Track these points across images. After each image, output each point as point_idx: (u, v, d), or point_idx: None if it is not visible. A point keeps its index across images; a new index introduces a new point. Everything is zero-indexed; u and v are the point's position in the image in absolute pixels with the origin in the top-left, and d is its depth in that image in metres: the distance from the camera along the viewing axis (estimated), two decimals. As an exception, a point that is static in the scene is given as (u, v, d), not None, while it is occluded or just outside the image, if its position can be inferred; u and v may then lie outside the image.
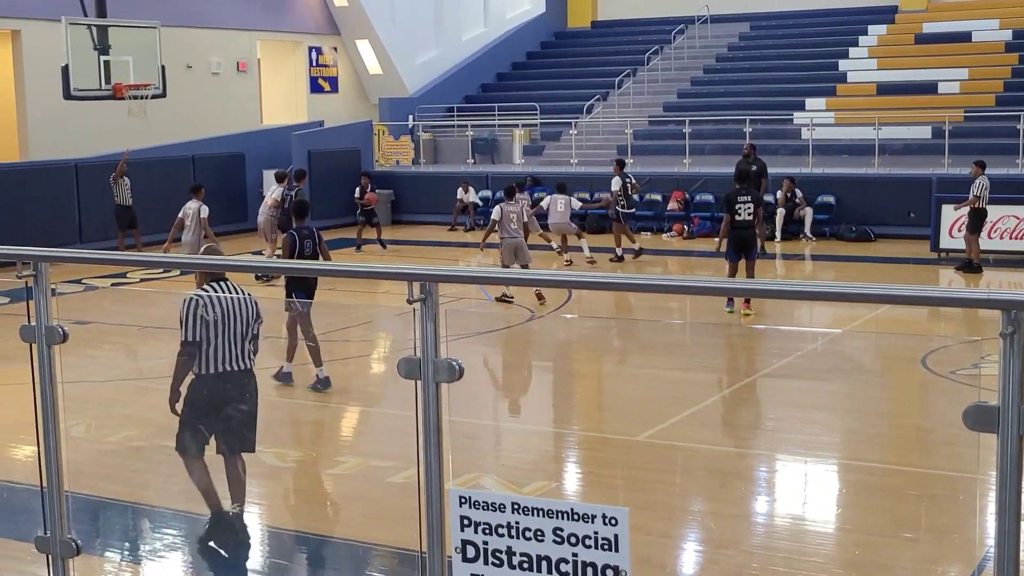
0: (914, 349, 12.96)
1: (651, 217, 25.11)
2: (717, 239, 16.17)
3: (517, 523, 3.27)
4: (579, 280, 3.96)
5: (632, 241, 21.13)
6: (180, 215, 17.32)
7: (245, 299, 7.34)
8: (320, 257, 12.10)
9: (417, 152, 30.64)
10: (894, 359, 13.52)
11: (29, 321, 4.54)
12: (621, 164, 21.66)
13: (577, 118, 29.95)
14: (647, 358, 13.64)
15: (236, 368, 7.25)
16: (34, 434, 4.91)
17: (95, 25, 18.86)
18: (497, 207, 16.71)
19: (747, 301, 14.67)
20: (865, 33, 31.43)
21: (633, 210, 22.06)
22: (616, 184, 20.94)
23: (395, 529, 7.55)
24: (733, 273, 15.32)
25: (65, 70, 18.34)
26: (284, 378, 11.66)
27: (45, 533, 4.57)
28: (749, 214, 15.29)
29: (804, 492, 8.85)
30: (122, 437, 10.02)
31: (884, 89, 28.35)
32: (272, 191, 19.59)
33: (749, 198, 15.34)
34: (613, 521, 3.17)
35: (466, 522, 3.34)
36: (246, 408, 7.41)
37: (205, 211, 17.15)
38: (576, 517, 3.21)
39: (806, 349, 13.97)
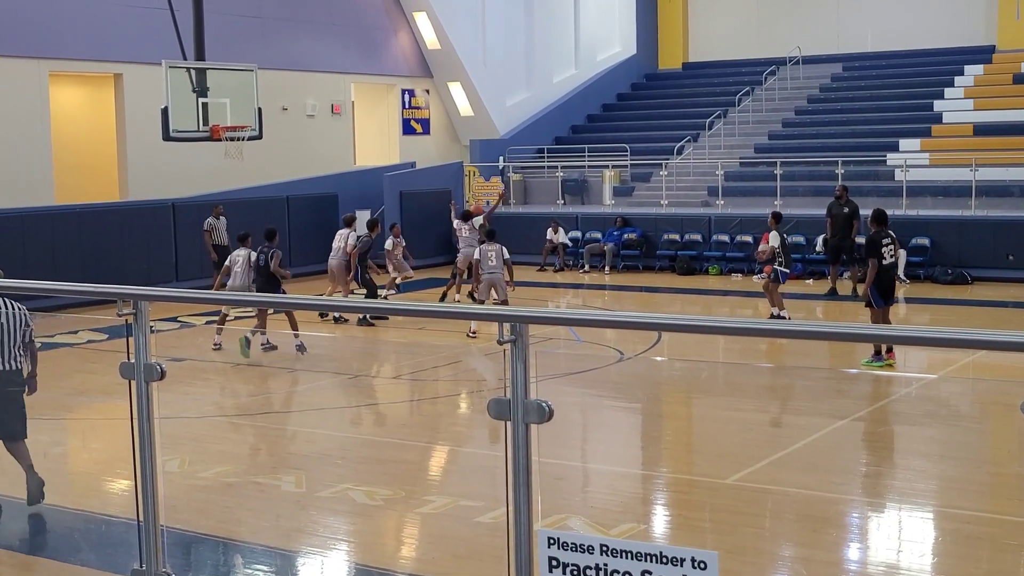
0: (1013, 395, 12.67)
1: (742, 259, 24.92)
2: (864, 285, 14.92)
3: (606, 565, 3.27)
4: (669, 323, 3.96)
5: (780, 307, 17.98)
6: (228, 262, 17.21)
7: (13, 312, 8.78)
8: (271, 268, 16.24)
9: (507, 193, 30.82)
10: (992, 405, 13.23)
11: (128, 358, 4.64)
12: (778, 217, 19.13)
13: (667, 159, 29.91)
14: (737, 401, 13.52)
15: (6, 368, 8.77)
16: (130, 468, 5.01)
17: (194, 68, 19.29)
18: (477, 248, 17.98)
19: (890, 349, 14.03)
20: (961, 73, 31.01)
21: (789, 270, 19.08)
22: (775, 239, 18.32)
23: (483, 569, 7.55)
24: (881, 319, 14.53)
25: (164, 112, 18.77)
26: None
27: (141, 566, 4.65)
28: (892, 255, 14.62)
29: (898, 540, 8.67)
30: (215, 473, 10.16)
31: (981, 130, 27.90)
32: (346, 236, 19.54)
33: (891, 239, 14.69)
34: (702, 565, 3.15)
35: (554, 563, 3.34)
36: (17, 401, 8.94)
37: (253, 256, 17.13)
38: (665, 560, 3.19)
39: (900, 394, 13.74)
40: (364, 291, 19.31)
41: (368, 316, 18.36)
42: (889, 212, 23.51)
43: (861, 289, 21.33)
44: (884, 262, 14.44)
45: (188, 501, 9.09)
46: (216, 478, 10.02)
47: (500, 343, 3.33)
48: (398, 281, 21.32)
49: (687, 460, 11.15)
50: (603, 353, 15.75)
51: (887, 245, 14.53)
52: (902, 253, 22.69)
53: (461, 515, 8.81)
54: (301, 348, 16.13)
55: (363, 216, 26.47)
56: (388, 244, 20.92)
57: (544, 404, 3.33)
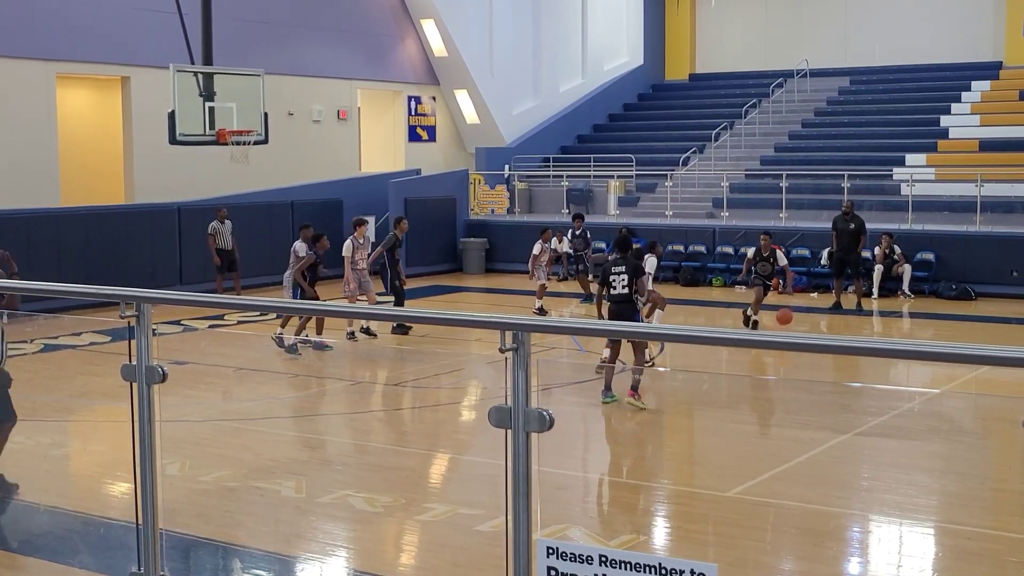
0: (1016, 411, 12.63)
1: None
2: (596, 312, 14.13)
3: (604, 575, 3.25)
4: (672, 333, 3.95)
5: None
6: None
7: None
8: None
9: (512, 201, 30.82)
10: (995, 421, 13.19)
11: (130, 360, 4.63)
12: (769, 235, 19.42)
13: (673, 170, 29.92)
14: (739, 413, 13.48)
15: None
16: (129, 471, 5.00)
17: (201, 72, 19.31)
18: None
19: (634, 388, 12.76)
20: (968, 89, 31.02)
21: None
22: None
23: (481, 578, 7.54)
24: (613, 352, 13.44)
25: (171, 116, 18.78)
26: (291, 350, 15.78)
27: (139, 570, 4.64)
28: (624, 286, 13.28)
29: (899, 555, 8.65)
30: (215, 477, 10.15)
31: (987, 146, 27.89)
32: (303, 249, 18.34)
33: (624, 268, 13.31)
34: (701, 577, 3.14)
35: (553, 573, 3.32)
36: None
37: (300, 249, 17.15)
38: (665, 572, 3.18)
39: (903, 408, 13.70)
40: (392, 298, 18.69)
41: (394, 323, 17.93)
42: (894, 227, 23.75)
43: (865, 303, 21.43)
44: (613, 291, 13.31)
45: (188, 505, 9.07)
46: (217, 482, 10.00)
47: (502, 351, 3.32)
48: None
49: (688, 472, 11.13)
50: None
51: (619, 274, 13.30)
52: (907, 268, 22.69)
53: (461, 523, 8.79)
54: (292, 349, 16.17)
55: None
56: (536, 249, 20.50)
57: (545, 413, 3.32)
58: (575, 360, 15.69)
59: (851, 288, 21.76)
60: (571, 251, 26.73)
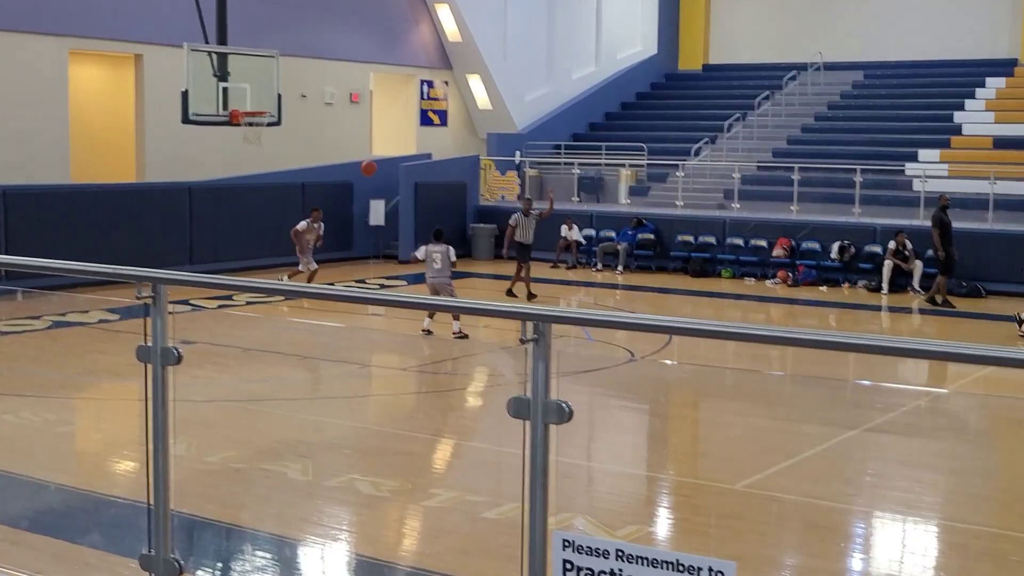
0: (1023, 411, 12.62)
1: (755, 263, 24.88)
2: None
3: (620, 570, 3.24)
4: (680, 326, 3.94)
5: None
6: (422, 256, 17.25)
7: None
8: None
9: (523, 188, 30.78)
10: (1003, 420, 13.18)
11: (145, 341, 4.62)
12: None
13: (685, 160, 29.86)
14: (747, 406, 13.47)
15: None
16: (137, 450, 5.00)
17: (215, 52, 19.29)
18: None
19: None
20: (983, 85, 30.91)
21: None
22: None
23: (488, 565, 7.54)
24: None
25: (184, 95, 18.77)
26: None
27: (150, 551, 4.64)
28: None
29: (903, 551, 8.64)
30: (222, 458, 10.15)
31: (1001, 143, 27.80)
32: None
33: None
34: (719, 575, 3.13)
35: (568, 566, 3.32)
36: None
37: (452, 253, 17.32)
38: (682, 568, 3.17)
39: (911, 406, 13.68)
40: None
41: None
42: (906, 222, 23.68)
43: (876, 299, 21.37)
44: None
45: (194, 485, 9.08)
46: (223, 463, 10.01)
47: (522, 342, 3.30)
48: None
49: (694, 464, 11.12)
50: (613, 353, 15.72)
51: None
52: (918, 264, 22.62)
53: (467, 510, 8.79)
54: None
55: (377, 205, 26.52)
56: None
57: (564, 405, 3.31)
58: (583, 350, 15.69)
59: (861, 283, 21.68)
60: (581, 239, 26.75)
